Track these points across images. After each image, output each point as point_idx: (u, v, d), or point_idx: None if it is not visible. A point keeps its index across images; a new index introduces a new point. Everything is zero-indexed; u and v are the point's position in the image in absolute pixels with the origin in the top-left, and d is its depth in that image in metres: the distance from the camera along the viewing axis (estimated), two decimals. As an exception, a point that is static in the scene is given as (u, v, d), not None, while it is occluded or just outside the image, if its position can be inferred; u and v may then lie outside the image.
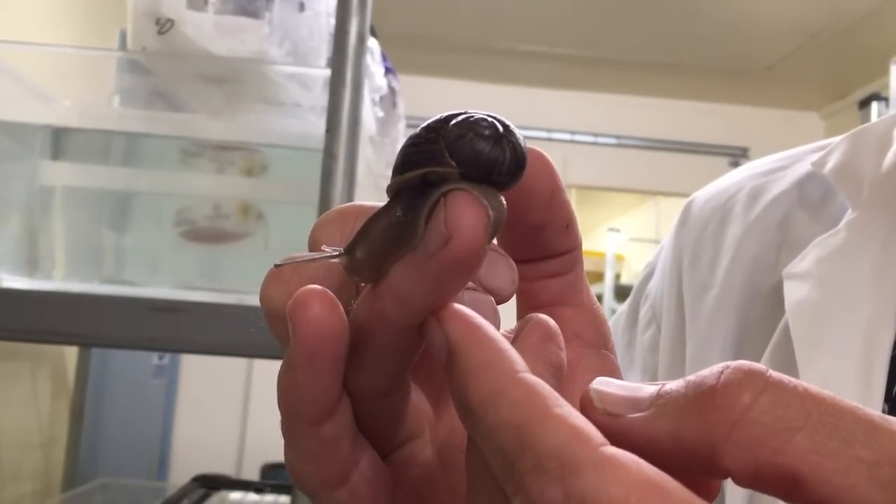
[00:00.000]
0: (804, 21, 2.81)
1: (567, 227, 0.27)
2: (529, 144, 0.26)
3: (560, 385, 0.23)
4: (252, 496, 1.55)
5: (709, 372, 0.20)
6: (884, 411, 0.38)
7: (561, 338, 0.24)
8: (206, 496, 1.51)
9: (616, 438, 0.19)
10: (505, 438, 0.19)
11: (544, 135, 3.67)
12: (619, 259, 4.59)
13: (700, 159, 3.70)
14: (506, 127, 0.23)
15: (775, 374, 0.19)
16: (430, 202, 0.22)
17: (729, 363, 0.20)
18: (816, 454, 0.18)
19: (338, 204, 0.82)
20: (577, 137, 3.70)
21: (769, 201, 0.50)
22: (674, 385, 0.20)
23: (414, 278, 0.22)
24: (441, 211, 0.21)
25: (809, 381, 0.39)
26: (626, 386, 0.21)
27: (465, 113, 0.23)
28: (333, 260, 0.24)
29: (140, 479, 2.40)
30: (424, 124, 0.24)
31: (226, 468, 2.81)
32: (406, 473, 0.27)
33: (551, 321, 0.24)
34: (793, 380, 0.19)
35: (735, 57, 3.19)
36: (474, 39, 3.21)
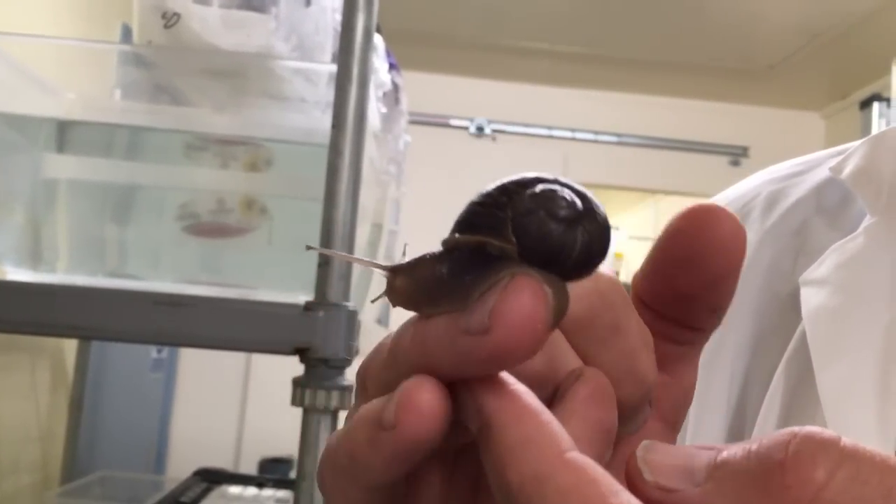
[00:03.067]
0: (806, 21, 2.81)
1: (714, 311, 0.25)
2: (734, 221, 0.23)
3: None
4: (252, 490, 1.55)
5: (774, 442, 0.18)
6: None
7: (613, 397, 0.22)
8: (207, 490, 1.51)
9: None
10: None
11: (545, 132, 3.67)
12: (618, 257, 4.59)
13: (700, 158, 3.70)
14: (588, 209, 0.20)
15: (849, 443, 0.17)
16: (487, 278, 0.20)
17: (796, 430, 0.18)
18: None
19: (343, 200, 0.82)
20: (578, 135, 3.70)
21: (787, 208, 0.49)
22: (733, 454, 0.18)
23: (445, 343, 0.20)
24: (495, 293, 0.19)
25: (827, 388, 0.39)
26: (677, 453, 0.19)
27: (548, 182, 0.20)
28: (378, 271, 0.23)
29: (138, 472, 2.40)
30: (502, 182, 0.21)
31: (224, 462, 2.81)
32: None
33: (603, 377, 0.22)
34: (868, 449, 0.17)
35: (737, 56, 3.19)
36: (477, 36, 3.21)
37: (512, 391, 0.20)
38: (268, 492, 1.55)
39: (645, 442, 0.20)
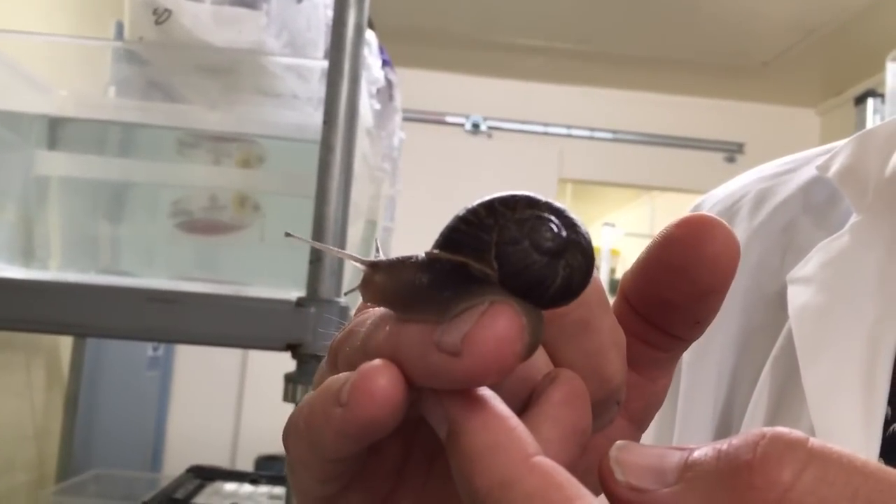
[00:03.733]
0: (801, 17, 2.81)
1: (698, 323, 0.25)
2: (730, 232, 0.23)
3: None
4: (247, 487, 1.55)
5: (743, 442, 0.18)
6: (887, 414, 0.38)
7: (588, 401, 0.22)
8: (200, 487, 1.51)
9: None
10: None
11: (541, 129, 3.67)
12: (615, 254, 4.60)
13: (696, 154, 3.70)
14: (573, 241, 0.20)
15: (817, 443, 0.17)
16: (466, 299, 0.20)
17: (766, 430, 0.18)
18: None
19: (335, 196, 0.82)
20: (574, 132, 3.70)
21: (775, 206, 0.49)
22: (703, 454, 0.18)
23: (417, 353, 0.20)
24: (471, 317, 0.19)
25: (812, 385, 0.39)
26: (649, 453, 0.19)
27: (538, 206, 0.20)
28: (358, 265, 0.23)
29: (134, 470, 2.40)
30: (491, 199, 0.21)
31: (220, 460, 2.81)
32: None
33: (578, 380, 0.22)
34: (835, 449, 0.17)
35: (732, 52, 3.19)
36: (471, 33, 3.21)
37: (478, 397, 0.20)
38: (263, 488, 1.55)
39: (619, 442, 0.20)
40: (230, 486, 1.55)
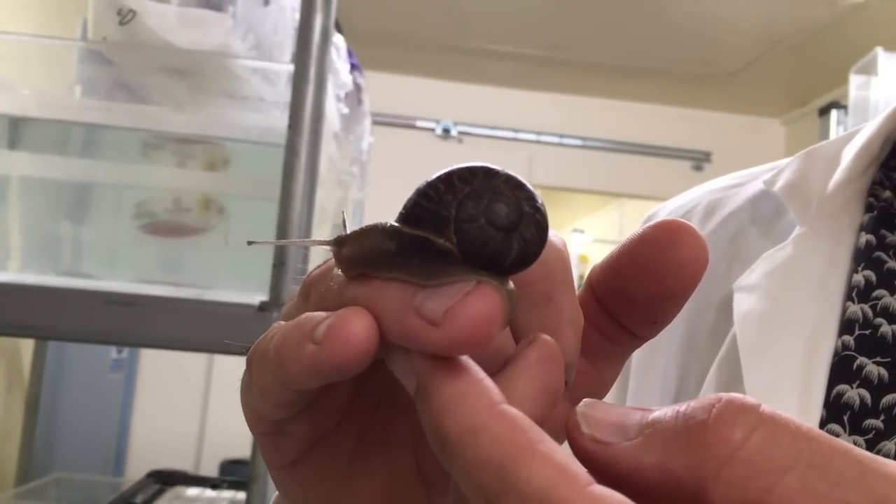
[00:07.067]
0: (768, 28, 2.85)
1: (655, 323, 0.26)
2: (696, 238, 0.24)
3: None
4: (209, 493, 1.53)
5: (700, 404, 0.19)
6: (822, 416, 0.40)
7: (562, 363, 0.23)
8: (160, 492, 1.49)
9: (602, 466, 0.20)
10: (486, 477, 0.18)
11: (510, 134, 3.69)
12: (584, 260, 4.62)
13: (664, 162, 3.74)
14: (527, 214, 0.21)
15: (767, 409, 0.19)
16: (439, 271, 0.21)
17: (722, 395, 0.19)
18: (805, 495, 0.18)
19: (299, 200, 0.82)
20: (543, 138, 3.71)
21: (724, 216, 0.51)
22: (662, 414, 0.20)
23: (395, 312, 0.21)
24: (456, 293, 0.20)
25: (753, 388, 0.41)
26: (614, 411, 0.21)
27: (494, 180, 0.22)
28: (324, 246, 0.24)
29: (96, 474, 2.37)
30: (449, 173, 0.22)
31: (184, 464, 2.78)
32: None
33: (554, 344, 0.23)
34: (785, 416, 0.19)
35: (699, 62, 3.23)
36: (442, 37, 3.21)
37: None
38: (225, 493, 1.53)
39: (586, 399, 0.22)
40: (192, 491, 1.53)
